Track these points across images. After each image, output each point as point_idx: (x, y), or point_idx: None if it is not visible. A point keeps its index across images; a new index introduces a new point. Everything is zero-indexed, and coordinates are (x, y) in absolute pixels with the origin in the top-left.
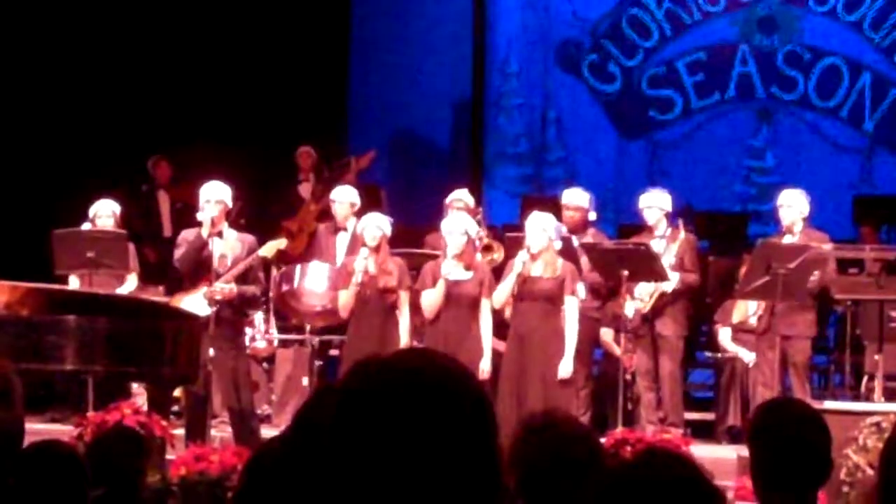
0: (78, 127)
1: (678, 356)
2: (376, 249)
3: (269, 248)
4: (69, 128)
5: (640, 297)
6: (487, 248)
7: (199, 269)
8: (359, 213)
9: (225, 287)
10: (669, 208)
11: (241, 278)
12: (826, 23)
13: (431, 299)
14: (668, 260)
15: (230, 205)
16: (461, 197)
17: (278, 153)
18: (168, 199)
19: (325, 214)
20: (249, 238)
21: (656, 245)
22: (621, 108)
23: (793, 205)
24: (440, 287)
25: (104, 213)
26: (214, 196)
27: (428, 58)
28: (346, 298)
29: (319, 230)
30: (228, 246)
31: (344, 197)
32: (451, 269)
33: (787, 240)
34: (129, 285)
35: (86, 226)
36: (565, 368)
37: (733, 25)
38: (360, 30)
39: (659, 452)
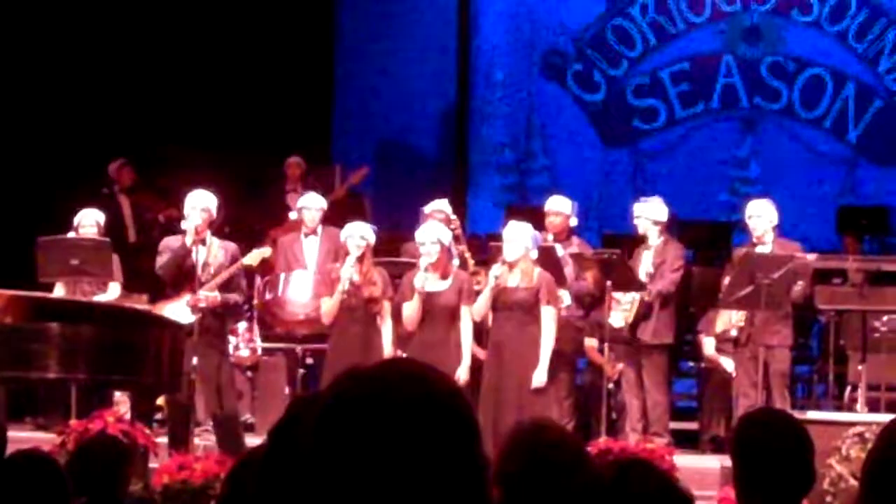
0: (65, 134)
1: (664, 365)
2: (360, 259)
3: (254, 257)
4: (55, 134)
5: (624, 307)
6: (474, 274)
7: (182, 277)
8: (342, 221)
9: (209, 295)
10: (662, 219)
11: (224, 286)
12: (810, 33)
13: (408, 312)
14: (644, 268)
15: (214, 213)
16: (441, 207)
17: (263, 162)
18: (129, 204)
19: None
20: (232, 246)
21: (647, 256)
22: (606, 117)
23: (762, 215)
24: (416, 300)
25: (88, 222)
26: (200, 204)
27: (412, 66)
28: (329, 306)
29: (283, 241)
30: (212, 254)
31: (314, 203)
32: (424, 281)
33: (760, 250)
34: (112, 293)
35: (70, 235)
36: (539, 378)
37: (717, 35)
38: (345, 38)
39: (630, 464)
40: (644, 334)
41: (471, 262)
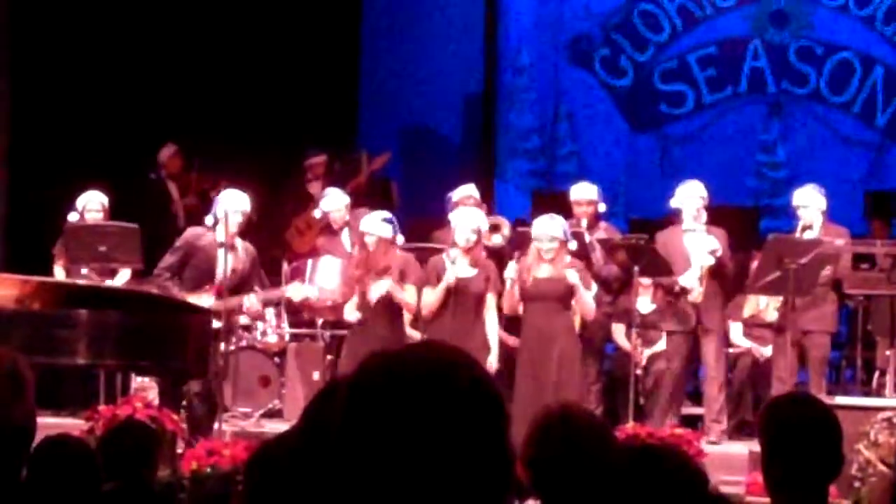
0: (82, 119)
1: (722, 349)
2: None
3: (297, 293)
4: (75, 118)
5: (690, 287)
6: (495, 228)
7: (203, 276)
8: (370, 207)
9: (254, 306)
10: (706, 198)
11: (243, 286)
12: (838, 17)
13: (429, 300)
14: (702, 254)
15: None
16: (471, 193)
17: (289, 149)
18: (177, 189)
19: None
20: (250, 247)
21: (690, 238)
22: (633, 102)
23: (809, 204)
24: (439, 289)
25: (93, 206)
26: (240, 207)
27: (439, 52)
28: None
29: (322, 244)
30: (239, 260)
31: (337, 203)
32: (453, 268)
33: (808, 235)
34: (122, 278)
35: (73, 216)
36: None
37: (745, 20)
38: (371, 24)
39: (651, 448)
40: (707, 318)
41: (501, 221)
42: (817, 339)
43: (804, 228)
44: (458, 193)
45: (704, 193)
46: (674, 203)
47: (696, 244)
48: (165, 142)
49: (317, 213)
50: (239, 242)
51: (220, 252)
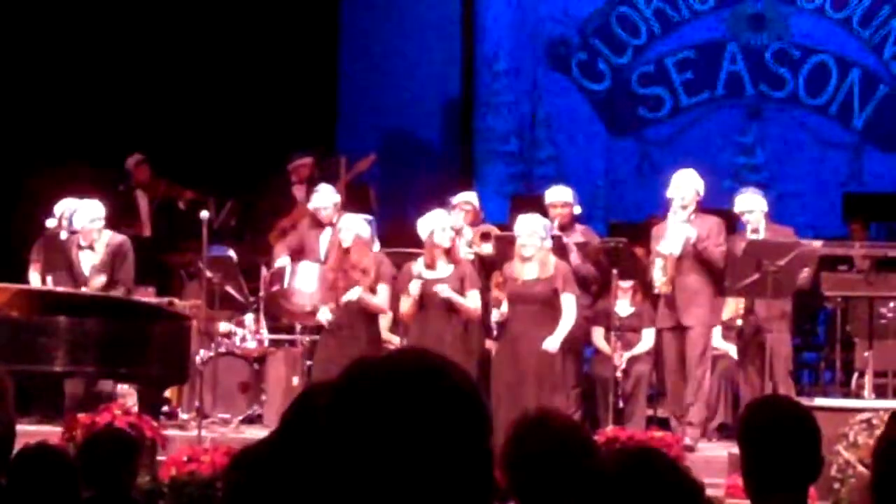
0: (62, 125)
1: (705, 349)
2: (347, 251)
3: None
4: (50, 126)
5: (658, 280)
6: (486, 236)
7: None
8: (348, 211)
9: None
10: (702, 191)
11: (109, 279)
12: (815, 20)
13: (403, 308)
14: (678, 241)
15: None
16: (469, 199)
17: (269, 154)
18: (147, 199)
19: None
20: (115, 240)
21: (676, 229)
22: (611, 106)
23: (754, 208)
24: (409, 301)
25: (70, 214)
26: (96, 214)
27: (417, 57)
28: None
29: (303, 226)
30: (97, 255)
31: (328, 201)
32: (424, 271)
33: (752, 238)
34: (96, 283)
35: (51, 222)
36: (552, 343)
37: (722, 23)
38: (350, 29)
39: (637, 452)
40: (687, 316)
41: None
42: (778, 337)
43: (752, 232)
44: (457, 198)
45: (691, 185)
46: (668, 193)
47: (671, 235)
48: (141, 149)
49: (311, 205)
50: (106, 235)
51: (80, 254)
